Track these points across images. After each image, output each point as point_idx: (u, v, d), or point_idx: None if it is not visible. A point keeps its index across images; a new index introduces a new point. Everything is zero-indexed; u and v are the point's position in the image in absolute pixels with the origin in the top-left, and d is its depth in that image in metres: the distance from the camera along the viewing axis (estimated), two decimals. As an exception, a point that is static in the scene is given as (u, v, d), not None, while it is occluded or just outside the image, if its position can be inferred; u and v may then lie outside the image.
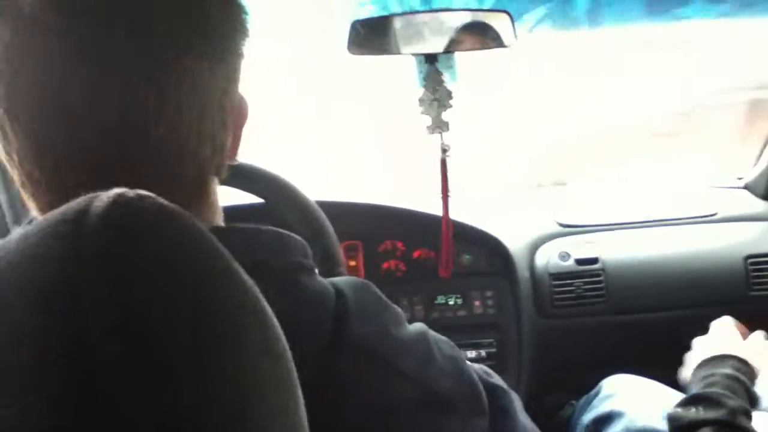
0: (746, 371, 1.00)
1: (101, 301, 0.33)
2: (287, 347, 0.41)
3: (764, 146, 1.74)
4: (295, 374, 0.41)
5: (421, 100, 1.37)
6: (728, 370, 0.99)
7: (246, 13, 0.58)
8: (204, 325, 0.36)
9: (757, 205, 1.74)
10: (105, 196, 0.36)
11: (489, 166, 2.46)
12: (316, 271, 0.62)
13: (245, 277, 0.40)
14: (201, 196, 0.59)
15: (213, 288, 0.38)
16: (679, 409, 0.94)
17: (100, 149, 0.50)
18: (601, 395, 1.27)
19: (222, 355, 0.36)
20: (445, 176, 1.36)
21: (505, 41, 1.29)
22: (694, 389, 0.98)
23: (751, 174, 1.80)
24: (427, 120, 1.37)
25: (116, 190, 0.37)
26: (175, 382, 0.34)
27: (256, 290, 0.40)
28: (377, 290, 0.65)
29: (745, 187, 1.82)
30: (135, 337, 0.33)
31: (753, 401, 0.97)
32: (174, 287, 0.36)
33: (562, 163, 2.51)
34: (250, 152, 0.70)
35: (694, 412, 0.91)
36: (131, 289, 0.34)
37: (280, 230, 0.61)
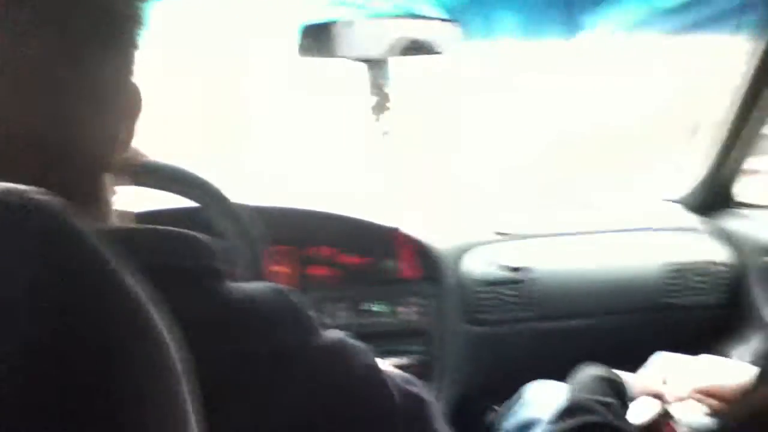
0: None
1: None
2: (179, 362, 0.38)
3: (699, 163, 1.79)
4: (185, 391, 0.38)
5: (372, 108, 1.38)
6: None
7: (141, 1, 0.56)
8: (77, 338, 0.32)
9: (688, 219, 1.79)
10: None
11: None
12: (225, 276, 0.60)
13: (130, 281, 0.36)
14: (91, 191, 0.56)
15: (87, 293, 0.34)
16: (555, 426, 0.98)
17: None
18: (521, 401, 1.29)
19: (98, 373, 0.33)
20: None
21: (450, 50, 1.30)
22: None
23: (685, 189, 1.86)
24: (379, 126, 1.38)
25: None
26: (42, 406, 0.30)
27: (143, 297, 0.37)
28: (292, 296, 0.64)
29: (679, 201, 1.88)
30: None
31: (620, 393, 1.04)
32: (42, 294, 0.32)
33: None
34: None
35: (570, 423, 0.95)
36: None
37: (186, 231, 0.58)
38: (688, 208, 1.83)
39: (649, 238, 1.70)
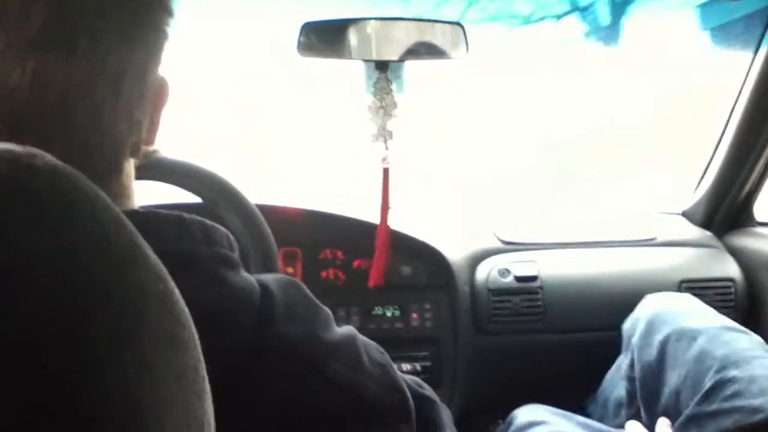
0: None
1: None
2: (196, 338, 0.37)
3: (702, 176, 1.78)
4: (202, 368, 0.37)
5: (369, 108, 1.35)
6: None
7: None
8: (97, 304, 0.31)
9: (693, 232, 1.77)
10: None
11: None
12: (241, 266, 0.60)
13: (151, 254, 0.36)
14: (113, 174, 0.56)
15: (112, 262, 0.33)
16: None
17: (8, 115, 0.48)
18: (514, 427, 1.26)
19: (117, 340, 0.32)
20: (386, 186, 1.35)
21: (458, 53, 1.29)
22: None
23: (689, 202, 1.84)
24: (373, 128, 1.35)
25: (2, 145, 0.33)
26: (60, 372, 0.29)
27: (164, 271, 0.36)
28: (306, 290, 0.63)
29: (683, 215, 1.86)
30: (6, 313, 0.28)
31: None
32: (64, 259, 0.31)
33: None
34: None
35: None
36: (10, 260, 0.29)
37: (205, 220, 0.58)
38: (695, 222, 1.81)
39: (662, 252, 1.68)
